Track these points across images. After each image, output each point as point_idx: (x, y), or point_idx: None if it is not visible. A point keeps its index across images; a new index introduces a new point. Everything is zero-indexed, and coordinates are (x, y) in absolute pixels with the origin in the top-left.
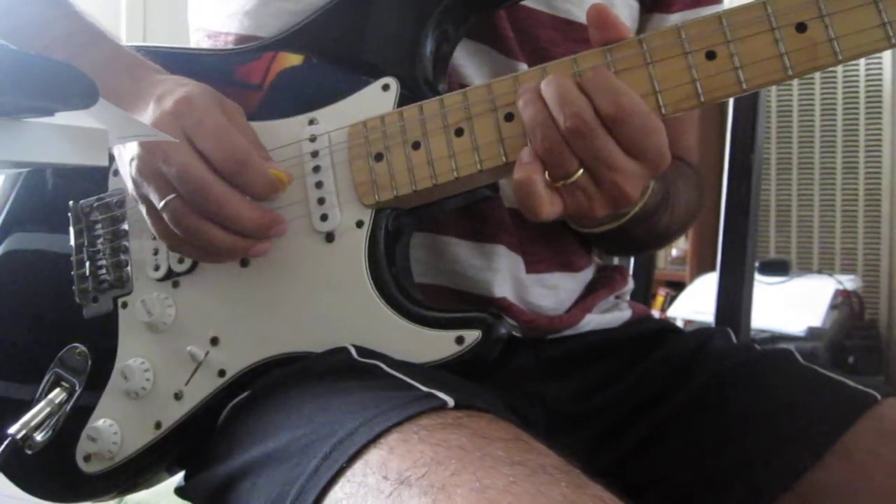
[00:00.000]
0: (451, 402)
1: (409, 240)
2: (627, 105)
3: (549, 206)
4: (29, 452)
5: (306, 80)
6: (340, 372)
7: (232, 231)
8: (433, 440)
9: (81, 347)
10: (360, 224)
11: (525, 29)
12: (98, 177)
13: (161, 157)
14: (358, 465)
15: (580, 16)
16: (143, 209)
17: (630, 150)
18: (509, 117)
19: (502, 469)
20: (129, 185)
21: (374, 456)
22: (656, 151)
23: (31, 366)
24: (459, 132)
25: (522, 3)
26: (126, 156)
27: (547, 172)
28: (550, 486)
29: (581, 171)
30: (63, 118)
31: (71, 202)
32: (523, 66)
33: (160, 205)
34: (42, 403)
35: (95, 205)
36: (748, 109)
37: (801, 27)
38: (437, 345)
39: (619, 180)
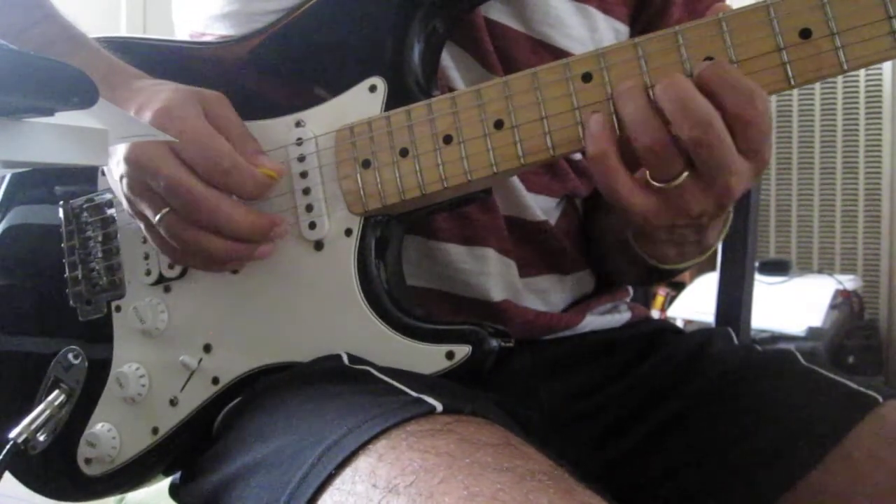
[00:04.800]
0: (439, 406)
1: (399, 245)
2: (761, 108)
3: (639, 198)
4: (33, 454)
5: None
6: (330, 377)
7: (230, 238)
8: (421, 447)
9: (78, 350)
10: (348, 232)
11: (503, 47)
12: (89, 172)
13: (149, 174)
14: (347, 472)
15: (559, 40)
16: (141, 225)
17: (747, 151)
18: (499, 125)
19: (490, 476)
20: (124, 203)
21: (362, 463)
22: (768, 151)
23: (31, 367)
24: (448, 139)
25: (502, 21)
26: (116, 174)
27: (648, 172)
28: (538, 493)
29: (686, 173)
30: (63, 118)
31: (61, 202)
32: None
33: (155, 220)
34: (42, 406)
35: (85, 205)
36: None
37: (805, 33)
38: (426, 359)
39: (732, 182)
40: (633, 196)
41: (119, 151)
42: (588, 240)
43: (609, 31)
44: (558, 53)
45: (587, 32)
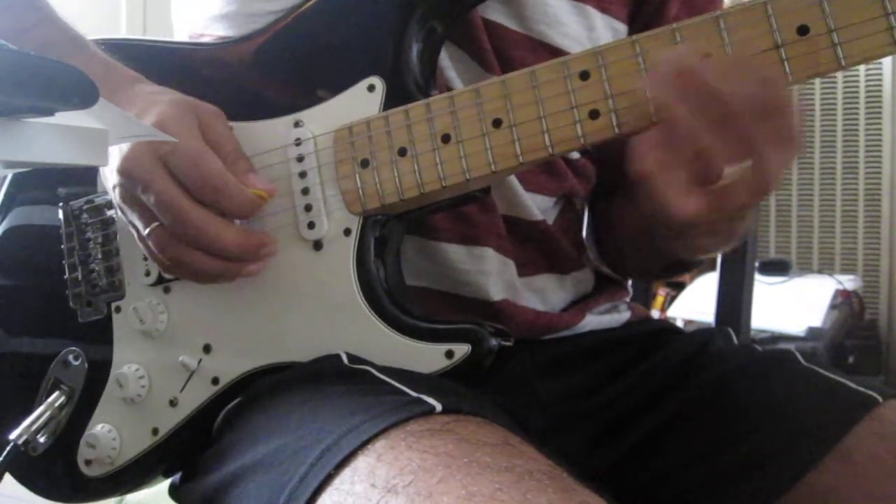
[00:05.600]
0: (438, 406)
1: (398, 245)
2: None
3: (695, 206)
4: (33, 455)
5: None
6: (330, 377)
7: (217, 256)
8: (420, 447)
9: (78, 351)
10: (347, 232)
11: (501, 46)
12: (89, 173)
13: (140, 186)
14: (346, 472)
15: (557, 40)
16: (133, 233)
17: (782, 138)
18: (497, 124)
19: (489, 476)
20: (118, 211)
21: (361, 463)
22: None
23: (31, 369)
24: (446, 139)
25: (499, 21)
26: (109, 182)
27: (696, 175)
28: (537, 492)
29: (742, 163)
30: (63, 118)
31: (61, 203)
32: None
33: (144, 233)
34: (42, 407)
35: (85, 207)
36: None
37: (803, 30)
38: (426, 358)
39: (772, 167)
40: (688, 205)
41: (113, 161)
42: (598, 238)
43: (607, 29)
44: (556, 52)
45: (585, 31)
